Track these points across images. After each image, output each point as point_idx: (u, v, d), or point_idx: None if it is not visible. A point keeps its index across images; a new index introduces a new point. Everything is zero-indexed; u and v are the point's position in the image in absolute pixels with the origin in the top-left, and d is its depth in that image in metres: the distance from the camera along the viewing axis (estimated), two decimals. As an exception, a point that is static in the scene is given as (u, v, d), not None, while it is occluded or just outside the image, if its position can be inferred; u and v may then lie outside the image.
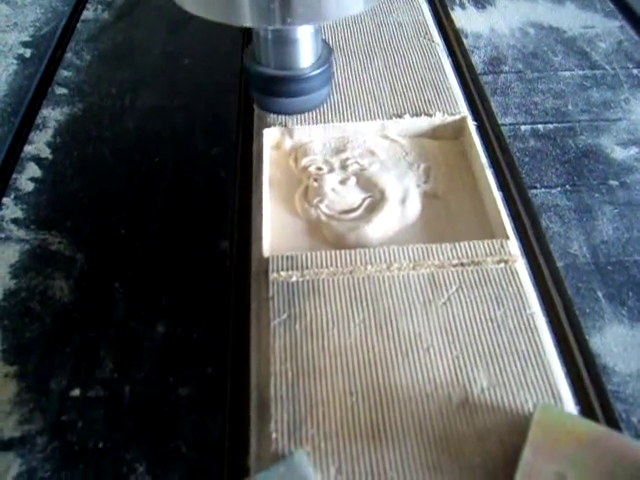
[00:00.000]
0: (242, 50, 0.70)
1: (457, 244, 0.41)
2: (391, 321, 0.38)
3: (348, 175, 0.48)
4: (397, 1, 0.65)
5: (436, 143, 0.51)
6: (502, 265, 0.40)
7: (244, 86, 0.65)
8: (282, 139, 0.51)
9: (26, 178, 0.62)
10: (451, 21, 0.76)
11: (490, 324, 0.37)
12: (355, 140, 0.51)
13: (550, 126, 0.65)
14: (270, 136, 0.51)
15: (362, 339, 0.37)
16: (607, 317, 0.49)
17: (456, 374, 0.35)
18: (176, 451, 0.42)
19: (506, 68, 0.73)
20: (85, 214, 0.58)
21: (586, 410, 0.41)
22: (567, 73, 0.72)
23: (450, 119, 0.51)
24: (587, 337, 0.46)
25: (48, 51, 0.79)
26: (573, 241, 0.54)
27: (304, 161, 0.50)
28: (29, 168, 0.63)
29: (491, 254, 0.41)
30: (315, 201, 0.46)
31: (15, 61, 0.78)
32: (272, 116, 0.51)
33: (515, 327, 0.37)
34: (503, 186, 0.55)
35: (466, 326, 0.37)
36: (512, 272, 0.40)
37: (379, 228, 0.44)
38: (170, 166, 0.63)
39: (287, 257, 0.41)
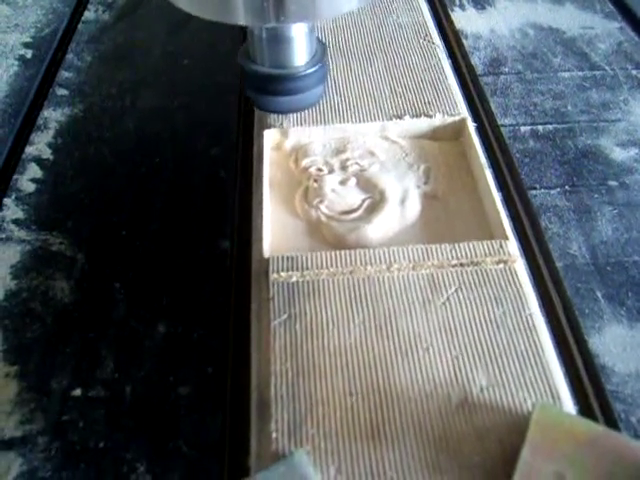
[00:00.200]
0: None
1: (456, 245, 0.42)
2: (391, 321, 0.38)
3: (348, 176, 0.48)
4: (397, 2, 0.65)
5: (436, 144, 0.51)
6: (501, 265, 0.41)
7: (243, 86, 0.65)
8: (282, 140, 0.51)
9: (27, 179, 0.62)
10: (451, 22, 0.76)
11: (489, 324, 0.38)
12: (355, 141, 0.51)
13: (550, 127, 0.65)
14: (270, 137, 0.51)
15: (362, 339, 0.37)
16: (606, 317, 0.49)
17: (455, 374, 0.36)
18: (176, 450, 0.42)
19: (506, 69, 0.73)
20: (86, 214, 0.58)
21: (585, 410, 0.41)
22: (566, 74, 0.72)
23: (450, 120, 0.51)
24: (586, 337, 0.46)
25: (49, 52, 0.79)
26: (572, 242, 0.54)
27: (304, 162, 0.50)
28: (30, 169, 0.63)
29: (490, 254, 0.41)
30: (315, 202, 0.46)
31: (16, 62, 0.78)
32: (272, 117, 0.51)
33: (514, 327, 0.37)
34: (503, 187, 0.55)
35: (465, 326, 0.37)
36: (511, 272, 0.40)
37: (379, 229, 0.45)
38: (170, 167, 0.63)
39: (287, 257, 0.41)
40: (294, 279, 0.40)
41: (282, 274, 0.40)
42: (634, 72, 0.72)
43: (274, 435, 0.33)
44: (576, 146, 0.63)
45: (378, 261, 0.41)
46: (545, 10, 0.83)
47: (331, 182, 0.48)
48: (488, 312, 0.38)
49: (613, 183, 0.59)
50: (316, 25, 0.48)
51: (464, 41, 0.75)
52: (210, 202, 0.59)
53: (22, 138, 0.66)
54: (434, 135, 0.52)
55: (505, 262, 0.41)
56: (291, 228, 0.46)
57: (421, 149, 0.51)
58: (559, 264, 0.51)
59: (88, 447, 0.43)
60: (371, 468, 0.32)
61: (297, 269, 0.40)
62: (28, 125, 0.68)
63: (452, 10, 0.81)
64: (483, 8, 0.83)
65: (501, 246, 0.41)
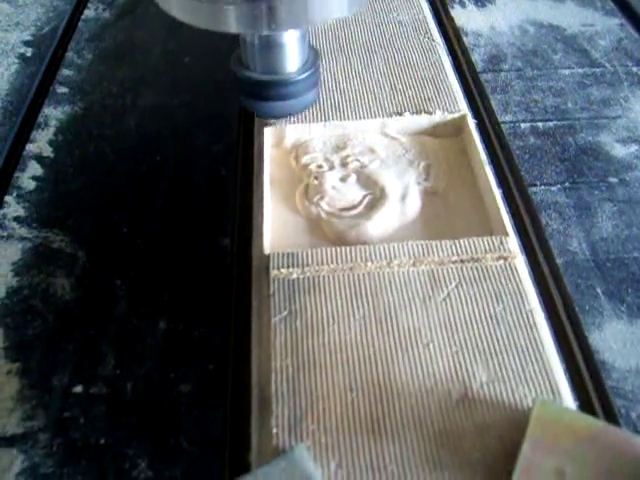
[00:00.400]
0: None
1: (457, 241, 0.42)
2: (391, 317, 0.38)
3: (348, 173, 0.49)
4: (397, 0, 0.65)
5: (436, 141, 0.52)
6: (501, 262, 0.41)
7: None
8: (283, 137, 0.51)
9: (28, 176, 0.62)
10: (451, 19, 0.76)
11: (489, 320, 0.38)
12: (355, 138, 0.51)
13: (550, 124, 0.65)
14: (271, 134, 0.51)
15: (362, 335, 0.37)
16: (606, 314, 0.49)
17: (456, 369, 0.36)
18: (178, 447, 0.42)
19: (506, 66, 0.73)
20: (87, 212, 0.58)
21: (585, 406, 0.41)
22: (567, 71, 0.72)
23: (450, 117, 0.51)
24: (586, 333, 0.46)
25: (49, 50, 0.79)
26: (572, 238, 0.54)
27: (305, 159, 0.50)
28: (31, 166, 0.63)
29: (490, 251, 0.41)
30: (315, 198, 0.46)
31: (17, 60, 0.78)
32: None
33: (514, 323, 0.37)
34: (503, 183, 0.55)
35: (465, 322, 0.38)
36: (511, 269, 0.40)
37: (379, 225, 0.45)
38: (171, 164, 0.63)
39: (288, 254, 0.41)
40: (295, 275, 0.40)
41: (283, 270, 0.40)
42: (634, 69, 0.72)
43: (275, 431, 0.34)
44: (576, 143, 0.63)
45: (378, 257, 0.41)
46: (545, 7, 0.83)
47: (331, 179, 0.48)
48: (488, 308, 0.38)
49: (613, 180, 0.59)
50: (309, 30, 0.48)
51: (464, 38, 0.75)
52: (211, 200, 0.59)
53: (23, 136, 0.67)
54: (434, 132, 0.52)
55: (505, 258, 0.41)
56: (292, 225, 0.46)
57: (421, 146, 0.51)
58: (559, 260, 0.51)
59: (89, 444, 0.43)
60: (371, 463, 0.32)
61: (297, 265, 0.41)
62: (29, 123, 0.68)
63: (452, 7, 0.81)
64: (483, 5, 0.83)
65: (501, 242, 0.42)
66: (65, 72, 0.75)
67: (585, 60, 0.74)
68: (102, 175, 0.62)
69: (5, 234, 0.56)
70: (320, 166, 0.49)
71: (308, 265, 0.41)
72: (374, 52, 0.58)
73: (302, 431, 0.34)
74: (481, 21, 0.80)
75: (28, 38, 0.82)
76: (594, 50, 0.75)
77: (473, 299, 0.39)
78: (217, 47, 0.77)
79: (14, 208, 0.59)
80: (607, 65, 0.73)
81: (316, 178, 0.48)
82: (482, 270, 0.40)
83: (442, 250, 0.41)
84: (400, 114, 0.51)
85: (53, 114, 0.69)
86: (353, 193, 0.47)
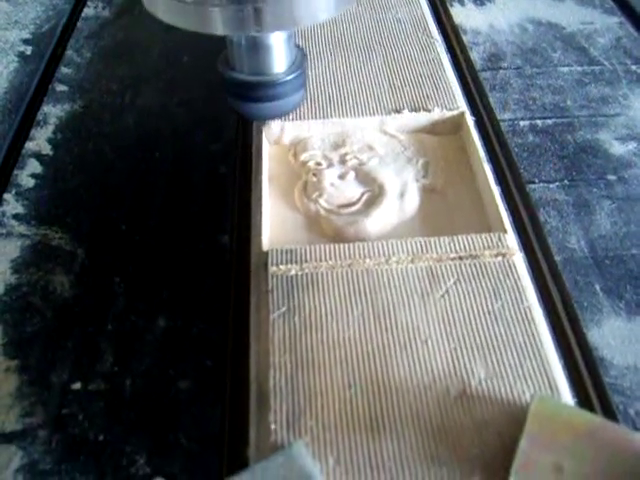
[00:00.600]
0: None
1: (455, 238, 0.42)
2: (389, 313, 0.38)
3: (347, 170, 0.49)
4: (396, -3, 0.65)
5: (435, 138, 0.52)
6: (500, 258, 0.41)
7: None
8: (281, 134, 0.51)
9: (27, 174, 0.62)
10: (450, 17, 0.76)
11: (488, 316, 0.38)
12: (354, 135, 0.51)
13: (549, 121, 0.66)
14: (269, 131, 0.51)
15: (361, 331, 0.37)
16: (605, 310, 0.49)
17: (454, 366, 0.36)
18: (176, 443, 0.42)
19: (505, 64, 0.73)
20: (85, 210, 0.58)
21: (583, 402, 0.42)
22: (566, 69, 0.72)
23: (449, 114, 0.51)
24: (585, 330, 0.46)
25: (49, 48, 0.79)
26: (571, 235, 0.54)
27: (303, 156, 0.50)
28: (30, 164, 0.63)
29: (489, 247, 0.41)
30: (314, 196, 0.46)
31: (16, 58, 0.78)
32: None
33: (512, 319, 0.37)
34: (501, 181, 0.55)
35: (464, 318, 0.38)
36: (510, 265, 0.40)
37: (378, 222, 0.45)
38: (170, 162, 0.63)
39: (286, 251, 0.41)
40: (293, 272, 0.40)
41: (281, 267, 0.40)
42: (633, 67, 0.72)
43: (273, 426, 0.34)
44: (575, 140, 0.63)
45: (377, 254, 0.41)
46: (544, 5, 0.83)
47: (330, 176, 0.48)
48: (486, 304, 0.38)
49: (612, 177, 0.60)
50: (295, 32, 0.48)
51: (463, 36, 0.75)
52: (210, 197, 0.59)
53: (22, 134, 0.67)
54: (433, 129, 0.52)
55: (504, 255, 0.41)
56: (290, 222, 0.46)
57: (420, 143, 0.51)
58: (558, 258, 0.51)
59: (88, 440, 0.43)
60: (370, 459, 0.32)
61: (296, 262, 0.40)
62: (28, 121, 0.68)
63: (451, 5, 0.81)
64: (482, 3, 0.83)
65: (500, 239, 0.42)
66: (64, 70, 0.75)
67: (584, 58, 0.74)
68: (101, 173, 0.62)
69: (4, 231, 0.56)
70: (319, 163, 0.49)
71: (306, 262, 0.41)
72: (373, 49, 0.58)
73: (300, 427, 0.34)
74: (480, 19, 0.80)
75: (27, 36, 0.82)
76: (593, 48, 0.75)
77: (471, 296, 0.39)
78: (216, 46, 0.77)
79: (13, 206, 0.59)
80: (606, 63, 0.73)
81: (315, 175, 0.48)
82: (480, 267, 0.40)
83: (440, 247, 0.41)
84: (399, 111, 0.51)
85: (52, 112, 0.69)
86: (352, 190, 0.47)
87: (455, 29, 0.74)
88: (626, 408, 0.43)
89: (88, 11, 0.86)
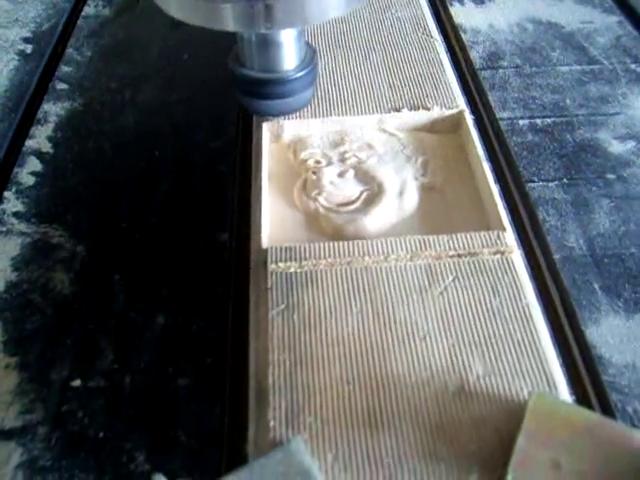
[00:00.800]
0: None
1: (454, 235, 0.42)
2: (388, 311, 0.38)
3: (346, 168, 0.49)
4: (396, -4, 0.65)
5: (434, 137, 0.52)
6: (498, 256, 0.41)
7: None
8: (281, 132, 0.51)
9: (27, 172, 0.62)
10: (450, 16, 0.76)
11: (486, 313, 0.38)
12: (353, 133, 0.51)
13: (548, 120, 0.66)
14: (269, 129, 0.51)
15: (360, 328, 0.37)
16: (603, 309, 0.49)
17: (452, 362, 0.36)
18: (176, 440, 0.42)
19: (504, 63, 0.73)
20: (85, 207, 0.59)
21: (582, 400, 0.42)
22: (565, 68, 0.72)
23: (448, 113, 0.52)
24: (583, 328, 0.47)
25: (49, 47, 0.79)
26: (570, 234, 0.54)
27: (303, 154, 0.50)
28: (30, 162, 0.63)
29: (487, 245, 0.41)
30: (314, 194, 0.47)
31: (16, 57, 0.78)
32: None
33: (511, 316, 0.38)
34: (500, 179, 0.56)
35: (462, 315, 0.38)
36: (508, 263, 0.40)
37: (377, 220, 0.45)
38: (170, 160, 0.63)
39: (285, 248, 0.41)
40: (292, 269, 0.40)
41: (280, 264, 0.40)
42: (632, 66, 0.72)
43: (272, 423, 0.34)
44: (574, 139, 0.63)
45: (376, 252, 0.41)
46: (544, 4, 0.83)
47: (329, 174, 0.48)
48: (485, 302, 0.38)
49: (611, 176, 0.60)
50: (306, 28, 0.48)
51: (463, 35, 0.75)
52: (209, 195, 0.59)
53: (22, 132, 0.67)
54: (432, 128, 0.52)
55: (502, 253, 0.41)
56: (290, 219, 0.46)
57: (419, 142, 0.51)
58: (557, 256, 0.52)
59: (88, 437, 0.43)
60: (368, 455, 0.32)
61: (295, 259, 0.41)
62: (28, 119, 0.68)
63: (451, 4, 0.81)
64: (482, 2, 0.83)
65: (498, 237, 0.42)
66: (64, 69, 0.76)
67: (583, 57, 0.74)
68: (101, 171, 0.62)
69: (4, 229, 0.56)
70: (318, 161, 0.49)
71: (306, 259, 0.41)
72: (373, 48, 0.58)
73: (299, 423, 0.34)
74: (480, 18, 0.80)
75: (28, 35, 0.82)
76: (592, 47, 0.75)
77: (470, 293, 0.39)
78: (216, 44, 0.77)
79: (13, 203, 0.59)
80: (605, 62, 0.73)
81: (314, 173, 0.48)
82: (479, 264, 0.40)
83: (439, 244, 0.41)
84: (398, 110, 0.52)
85: (52, 110, 0.69)
86: (351, 188, 0.47)
87: (455, 28, 0.74)
88: (624, 406, 0.44)
89: (88, 10, 0.86)
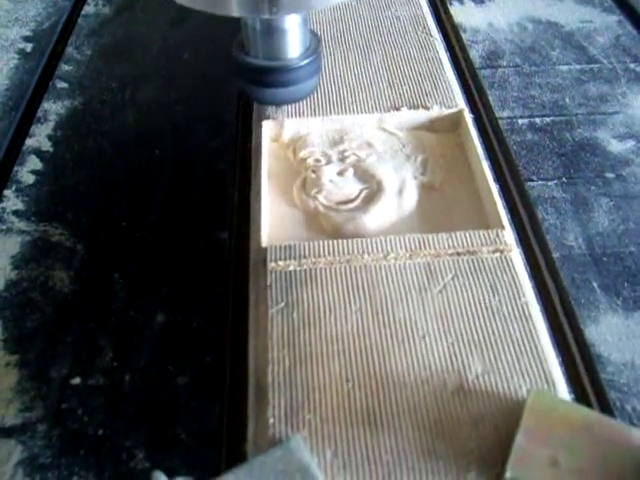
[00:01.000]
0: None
1: (453, 234, 0.42)
2: (387, 309, 0.38)
3: (346, 167, 0.49)
4: (395, -5, 0.65)
5: (433, 135, 0.52)
6: (497, 254, 0.41)
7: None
8: (280, 131, 0.51)
9: (27, 170, 0.62)
10: (449, 16, 0.77)
11: (485, 312, 0.38)
12: (353, 132, 0.51)
13: (547, 119, 0.66)
14: (269, 128, 0.51)
15: (359, 326, 0.37)
16: (602, 307, 0.49)
17: (451, 361, 0.36)
18: (175, 437, 0.42)
19: (504, 62, 0.73)
20: (85, 206, 0.59)
21: (580, 398, 0.42)
22: (565, 67, 0.72)
23: (447, 112, 0.52)
24: (582, 327, 0.47)
25: (49, 45, 0.79)
26: (569, 233, 0.55)
27: (302, 153, 0.50)
28: (30, 161, 0.63)
29: (487, 244, 0.41)
30: (313, 192, 0.47)
31: (16, 55, 0.78)
32: (271, 109, 0.51)
33: (510, 315, 0.38)
34: (500, 178, 0.56)
35: (461, 313, 0.38)
36: (507, 261, 0.40)
37: (376, 218, 0.45)
38: (170, 159, 0.63)
39: (285, 247, 0.41)
40: (292, 268, 0.40)
41: (280, 263, 0.41)
42: (632, 65, 0.72)
43: (271, 421, 0.34)
44: (573, 138, 0.63)
45: (375, 250, 0.41)
46: (543, 4, 0.83)
47: (329, 173, 0.48)
48: (484, 300, 0.38)
49: (610, 175, 0.60)
50: (310, 17, 0.48)
51: (462, 34, 0.75)
52: (209, 194, 0.59)
53: (22, 130, 0.67)
54: (431, 127, 0.52)
55: (501, 251, 0.41)
56: (289, 218, 0.46)
57: (418, 140, 0.51)
58: (556, 255, 0.52)
59: (87, 434, 0.43)
60: (367, 453, 0.33)
61: (295, 258, 0.41)
62: (28, 117, 0.68)
63: (451, 4, 0.81)
64: (482, 2, 0.83)
65: (497, 235, 0.42)
66: (64, 67, 0.76)
67: (583, 56, 0.74)
68: (101, 169, 0.62)
69: (4, 227, 0.56)
70: (318, 160, 0.49)
71: (305, 257, 0.41)
72: (372, 47, 0.58)
73: (298, 421, 0.34)
74: (479, 18, 0.80)
75: (28, 33, 0.82)
76: (592, 47, 0.75)
77: (469, 291, 0.39)
78: (216, 43, 0.77)
79: (13, 202, 0.59)
80: (605, 61, 0.73)
81: (314, 172, 0.48)
82: (478, 262, 0.40)
83: (438, 243, 0.41)
84: (398, 109, 0.52)
85: (52, 109, 0.69)
86: (350, 187, 0.48)
87: (454, 27, 0.74)
88: (623, 404, 0.44)
89: (88, 8, 0.86)
